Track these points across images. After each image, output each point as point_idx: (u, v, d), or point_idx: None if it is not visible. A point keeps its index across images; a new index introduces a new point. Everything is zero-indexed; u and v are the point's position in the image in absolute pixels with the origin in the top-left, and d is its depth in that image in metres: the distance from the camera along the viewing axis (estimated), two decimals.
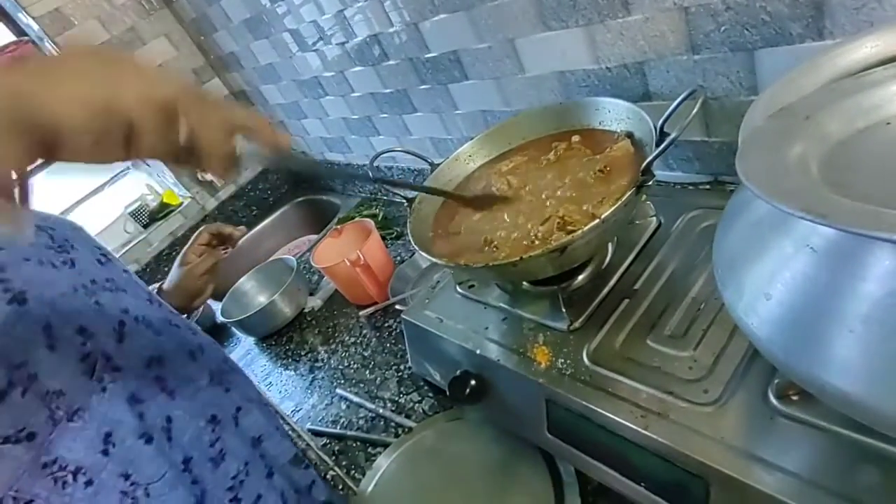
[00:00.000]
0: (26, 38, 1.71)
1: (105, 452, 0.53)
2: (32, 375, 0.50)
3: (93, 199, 1.95)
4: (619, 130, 0.81)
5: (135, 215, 1.96)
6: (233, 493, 0.65)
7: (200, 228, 1.02)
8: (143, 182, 2.03)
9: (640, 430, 0.58)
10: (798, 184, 0.35)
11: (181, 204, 2.03)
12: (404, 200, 0.91)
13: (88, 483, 0.52)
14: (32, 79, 0.36)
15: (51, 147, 0.36)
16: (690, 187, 0.92)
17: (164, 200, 2.01)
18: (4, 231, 0.36)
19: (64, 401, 0.52)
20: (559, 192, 0.79)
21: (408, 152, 0.97)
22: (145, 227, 1.97)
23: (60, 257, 0.60)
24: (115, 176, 1.99)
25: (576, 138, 0.86)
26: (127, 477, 0.54)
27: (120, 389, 0.57)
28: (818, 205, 0.30)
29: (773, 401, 0.53)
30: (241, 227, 1.05)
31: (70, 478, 0.51)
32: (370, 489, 0.92)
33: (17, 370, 0.49)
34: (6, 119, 0.34)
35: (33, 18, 1.64)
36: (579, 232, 0.62)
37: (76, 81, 0.36)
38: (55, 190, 1.89)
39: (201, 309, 1.08)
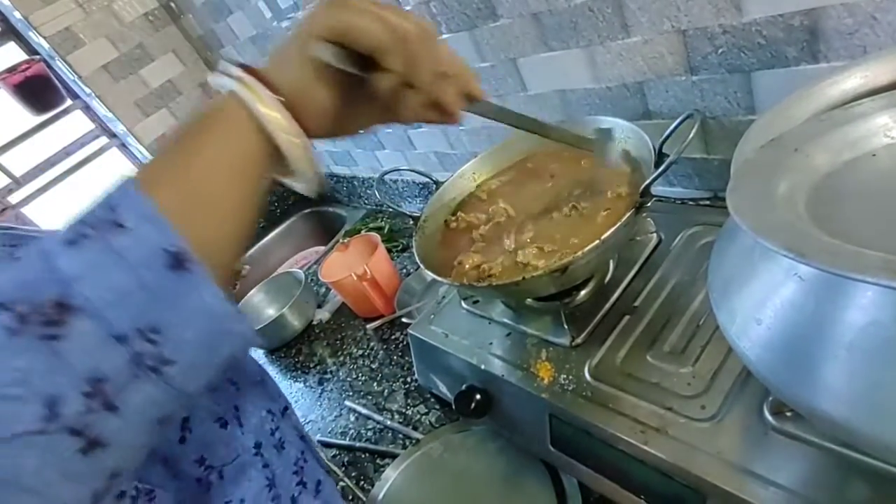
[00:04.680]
0: (38, 56, 1.75)
1: (182, 440, 0.52)
2: None
3: None
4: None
5: None
6: (298, 478, 0.66)
7: None
8: None
9: (639, 444, 0.60)
10: (784, 219, 0.37)
11: None
12: (409, 217, 0.94)
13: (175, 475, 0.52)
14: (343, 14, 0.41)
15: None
16: (691, 203, 0.94)
17: None
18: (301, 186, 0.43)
19: None
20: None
21: (413, 171, 1.00)
22: None
23: None
24: None
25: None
26: (202, 462, 0.53)
27: None
28: (800, 243, 0.32)
29: (768, 417, 0.54)
30: (246, 266, 1.05)
31: (159, 468, 0.49)
32: (379, 499, 0.93)
33: None
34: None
35: (44, 38, 1.67)
36: (579, 253, 0.64)
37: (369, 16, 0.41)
38: (68, 204, 1.92)
39: None
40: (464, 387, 0.83)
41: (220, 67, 0.42)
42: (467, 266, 0.79)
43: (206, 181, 0.38)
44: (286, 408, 0.74)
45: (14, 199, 1.81)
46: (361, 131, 0.51)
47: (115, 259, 0.31)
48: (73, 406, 0.29)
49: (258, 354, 1.53)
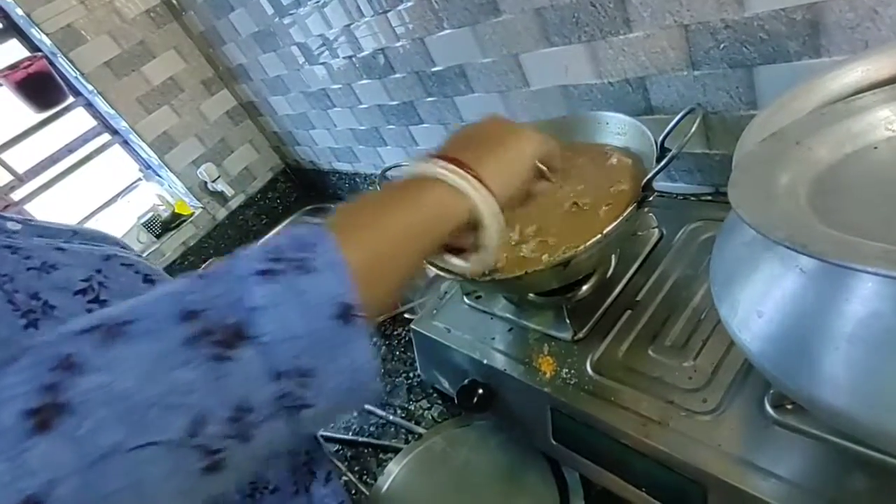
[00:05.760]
0: (39, 53, 1.75)
1: None
2: None
3: (106, 210, 1.99)
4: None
5: (147, 225, 1.99)
6: (307, 468, 0.67)
7: (209, 261, 1.02)
8: (154, 192, 2.06)
9: (641, 437, 0.61)
10: (785, 212, 0.37)
11: (193, 214, 2.06)
12: None
13: None
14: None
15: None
16: (692, 198, 0.94)
17: (176, 210, 2.04)
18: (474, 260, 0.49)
19: None
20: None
21: None
22: (158, 237, 2.00)
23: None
24: (128, 187, 2.03)
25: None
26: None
27: None
28: (801, 234, 0.33)
29: (769, 410, 0.55)
30: None
31: None
32: (382, 493, 0.94)
33: None
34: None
35: (46, 35, 1.67)
36: (581, 248, 0.65)
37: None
38: (70, 200, 1.93)
39: None
40: (466, 381, 0.83)
41: (427, 162, 0.46)
42: None
43: (395, 246, 0.41)
44: None
45: (17, 195, 1.81)
46: None
47: (296, 298, 0.33)
48: (215, 428, 0.30)
49: None
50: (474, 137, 0.51)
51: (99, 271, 0.49)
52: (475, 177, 0.45)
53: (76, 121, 1.92)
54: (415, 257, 0.43)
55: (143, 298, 0.33)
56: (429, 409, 1.06)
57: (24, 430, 0.27)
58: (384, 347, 1.28)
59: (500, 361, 0.80)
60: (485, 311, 0.90)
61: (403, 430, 1.05)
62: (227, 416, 0.31)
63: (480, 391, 0.81)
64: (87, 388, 0.28)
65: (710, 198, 0.93)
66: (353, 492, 1.00)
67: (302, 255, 0.34)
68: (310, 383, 0.33)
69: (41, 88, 1.73)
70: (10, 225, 0.56)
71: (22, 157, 1.83)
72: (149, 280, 0.53)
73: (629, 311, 0.76)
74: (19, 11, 1.64)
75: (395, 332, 1.30)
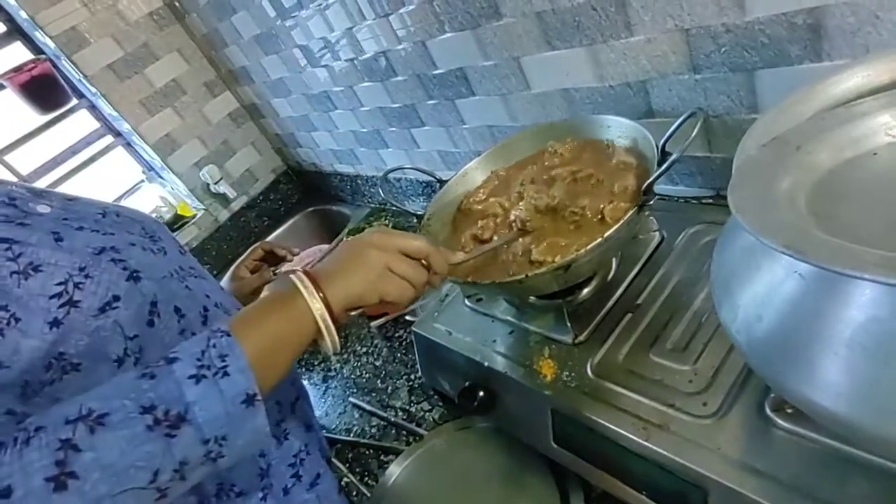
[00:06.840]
0: (43, 56, 1.75)
1: None
2: (142, 348, 0.57)
3: None
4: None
5: None
6: (293, 470, 0.71)
7: (255, 245, 1.01)
8: (157, 194, 2.07)
9: (641, 441, 0.61)
10: (785, 217, 0.37)
11: (195, 215, 2.06)
12: (413, 215, 0.94)
13: None
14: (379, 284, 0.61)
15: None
16: (693, 201, 0.95)
17: (179, 212, 2.05)
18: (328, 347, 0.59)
19: None
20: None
21: (417, 169, 1.00)
22: None
23: (155, 245, 0.66)
24: (131, 189, 2.03)
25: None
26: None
27: None
28: (800, 241, 0.33)
29: (769, 413, 0.55)
30: (295, 250, 1.05)
31: None
32: (383, 495, 0.94)
33: (131, 341, 0.56)
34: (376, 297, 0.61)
35: (50, 37, 1.68)
36: (582, 251, 0.65)
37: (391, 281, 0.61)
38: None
39: None
40: (467, 384, 0.83)
41: (295, 276, 0.59)
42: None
43: (276, 348, 0.55)
44: (297, 398, 0.74)
45: None
46: None
47: (218, 394, 0.48)
48: (166, 477, 0.46)
49: None
50: (331, 262, 0.62)
51: (82, 269, 0.54)
52: (314, 284, 0.57)
53: (79, 123, 1.93)
54: (287, 351, 0.56)
55: (111, 391, 0.47)
56: (430, 411, 1.07)
57: (48, 490, 0.42)
58: (385, 349, 1.29)
59: (500, 364, 0.80)
60: (486, 314, 0.90)
61: (404, 432, 1.05)
62: (174, 468, 0.47)
63: (481, 393, 0.81)
64: (85, 461, 0.43)
65: (711, 201, 0.93)
66: (355, 493, 1.00)
67: (221, 364, 0.49)
68: (226, 444, 0.49)
69: (45, 91, 1.73)
70: (40, 208, 0.57)
71: (26, 159, 1.83)
72: (133, 277, 0.57)
73: (630, 315, 0.76)
74: (23, 14, 1.65)
75: (397, 335, 1.30)
